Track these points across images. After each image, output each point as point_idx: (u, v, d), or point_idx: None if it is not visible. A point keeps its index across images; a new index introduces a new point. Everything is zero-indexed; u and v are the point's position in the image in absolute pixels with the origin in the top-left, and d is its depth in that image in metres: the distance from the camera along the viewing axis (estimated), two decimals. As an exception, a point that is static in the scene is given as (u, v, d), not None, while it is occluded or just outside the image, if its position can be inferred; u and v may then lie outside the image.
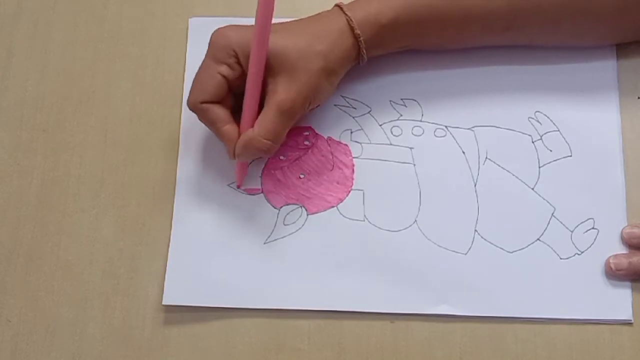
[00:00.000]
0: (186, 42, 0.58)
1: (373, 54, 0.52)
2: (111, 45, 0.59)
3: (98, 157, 0.56)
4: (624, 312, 0.50)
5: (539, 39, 0.54)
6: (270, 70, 0.49)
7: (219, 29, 0.50)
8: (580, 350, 0.50)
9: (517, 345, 0.50)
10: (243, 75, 0.49)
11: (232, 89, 0.51)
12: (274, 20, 0.46)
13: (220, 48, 0.49)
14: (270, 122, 0.49)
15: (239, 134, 0.50)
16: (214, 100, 0.50)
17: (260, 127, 0.49)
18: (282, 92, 0.49)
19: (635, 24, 0.53)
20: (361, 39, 0.50)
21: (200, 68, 0.50)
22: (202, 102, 0.50)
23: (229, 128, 0.50)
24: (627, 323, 0.50)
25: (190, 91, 0.51)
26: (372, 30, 0.50)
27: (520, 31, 0.53)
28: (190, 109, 0.51)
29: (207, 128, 0.51)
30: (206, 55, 0.50)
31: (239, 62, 0.49)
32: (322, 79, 0.50)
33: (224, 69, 0.49)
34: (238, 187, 0.54)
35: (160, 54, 0.58)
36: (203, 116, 0.51)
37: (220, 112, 0.50)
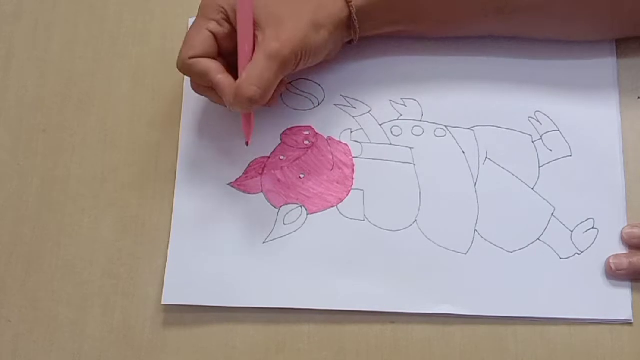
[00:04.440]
0: (186, 42, 0.58)
1: (366, 28, 0.52)
2: (111, 45, 0.59)
3: (98, 157, 0.56)
4: (624, 312, 0.50)
5: (532, 28, 0.54)
6: (258, 24, 0.49)
7: None
8: (580, 350, 0.50)
9: (517, 345, 0.50)
10: (233, 34, 0.50)
11: (222, 48, 0.51)
12: None
13: (208, 5, 0.50)
14: (257, 68, 0.48)
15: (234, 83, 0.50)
16: (202, 56, 0.50)
17: (248, 73, 0.48)
18: (270, 40, 0.49)
19: (633, 15, 0.52)
20: (352, 3, 0.50)
21: (189, 28, 0.51)
22: (190, 58, 0.50)
23: (223, 77, 0.49)
24: (627, 323, 0.50)
25: (179, 52, 0.51)
26: None
27: (513, 16, 0.52)
28: (179, 68, 0.51)
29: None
30: (197, 16, 0.51)
31: (227, 20, 0.50)
32: (310, 31, 0.50)
33: (212, 25, 0.50)
34: (247, 144, 0.52)
35: (160, 54, 0.58)
36: (193, 70, 0.50)
37: (210, 63, 0.50)
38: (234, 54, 0.51)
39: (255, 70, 0.48)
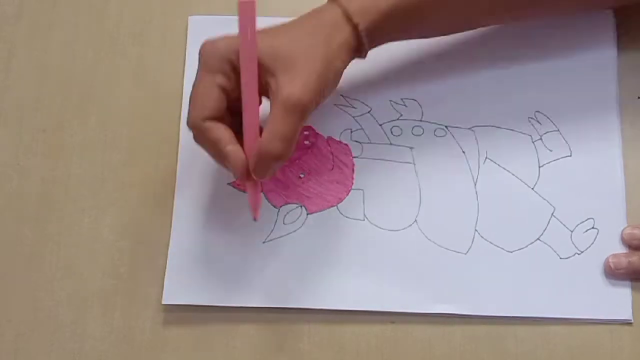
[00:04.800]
0: (186, 41, 0.58)
1: (376, 44, 0.50)
2: (111, 45, 0.59)
3: (98, 157, 0.56)
4: (624, 312, 0.50)
5: (537, 11, 0.53)
6: (268, 71, 0.46)
7: (206, 40, 0.48)
8: (580, 350, 0.50)
9: (517, 345, 0.50)
10: (239, 86, 0.47)
11: (230, 102, 0.47)
12: (272, 22, 0.46)
13: (211, 57, 0.47)
14: (279, 123, 0.45)
15: (244, 155, 0.46)
16: (215, 116, 0.46)
17: (269, 132, 0.45)
18: (287, 87, 0.45)
19: None
20: (360, 27, 0.48)
21: (195, 83, 0.47)
22: (205, 119, 0.46)
23: (234, 148, 0.46)
24: (627, 323, 0.50)
25: (189, 109, 0.47)
26: (371, 18, 0.48)
27: (520, 10, 0.51)
28: (191, 128, 0.47)
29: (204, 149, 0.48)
30: (199, 69, 0.47)
31: (234, 69, 0.47)
32: (325, 67, 0.46)
33: (221, 79, 0.46)
34: (255, 219, 0.50)
35: (160, 54, 0.58)
36: (205, 135, 0.47)
37: (224, 131, 0.46)
38: (239, 100, 0.47)
39: (277, 126, 0.45)
